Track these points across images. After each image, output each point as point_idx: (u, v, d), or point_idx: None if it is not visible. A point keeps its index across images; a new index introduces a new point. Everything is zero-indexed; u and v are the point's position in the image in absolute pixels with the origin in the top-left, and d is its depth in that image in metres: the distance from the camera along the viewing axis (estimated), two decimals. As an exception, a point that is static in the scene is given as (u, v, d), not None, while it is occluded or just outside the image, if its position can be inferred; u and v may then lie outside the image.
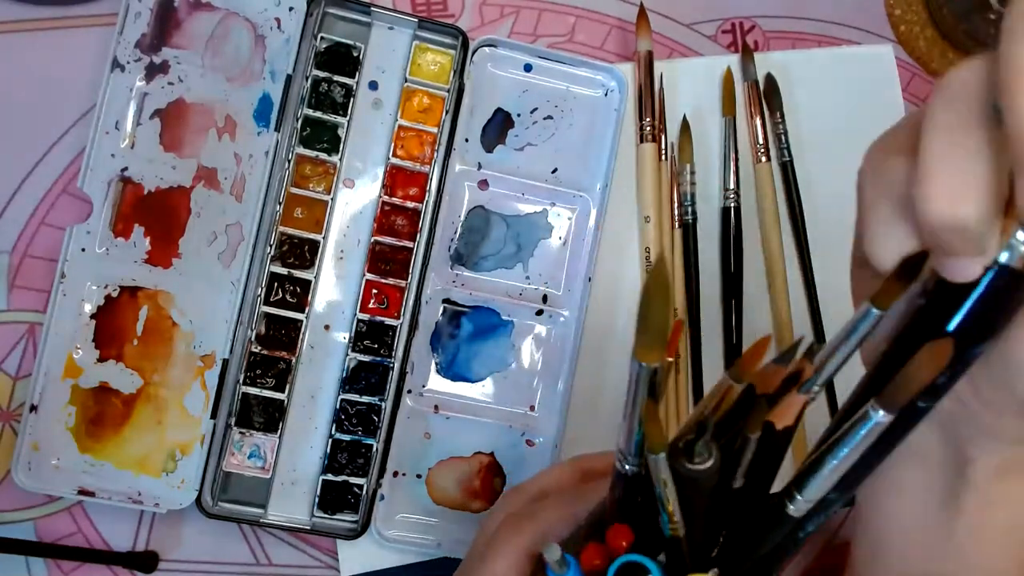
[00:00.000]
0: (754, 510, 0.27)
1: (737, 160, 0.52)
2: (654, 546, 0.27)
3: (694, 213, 0.52)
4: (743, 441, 0.25)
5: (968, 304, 0.22)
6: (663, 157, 0.52)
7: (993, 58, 0.19)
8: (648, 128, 0.51)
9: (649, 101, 0.51)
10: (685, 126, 0.52)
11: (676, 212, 0.52)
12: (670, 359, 0.26)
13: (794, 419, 0.26)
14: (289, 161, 0.47)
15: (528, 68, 0.50)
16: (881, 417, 0.22)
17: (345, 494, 0.47)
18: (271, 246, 0.47)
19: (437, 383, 0.49)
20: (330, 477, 0.47)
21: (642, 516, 0.26)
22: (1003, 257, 0.21)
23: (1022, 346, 0.22)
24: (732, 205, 0.52)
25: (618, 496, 0.28)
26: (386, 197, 0.48)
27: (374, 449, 0.47)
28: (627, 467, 0.26)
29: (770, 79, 0.53)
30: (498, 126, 0.50)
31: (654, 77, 0.51)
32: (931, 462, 0.27)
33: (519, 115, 0.50)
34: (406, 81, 0.49)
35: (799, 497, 0.25)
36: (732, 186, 0.52)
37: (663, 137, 0.52)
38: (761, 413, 0.25)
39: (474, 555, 0.34)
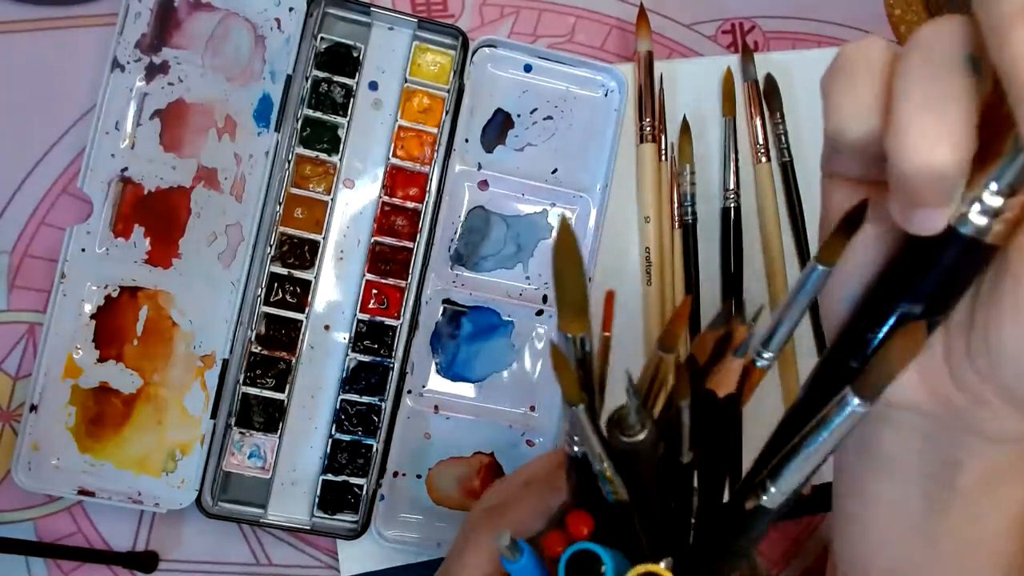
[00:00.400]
0: (713, 488, 0.26)
1: (737, 160, 0.52)
2: (616, 534, 0.26)
3: (694, 213, 0.52)
4: (677, 411, 0.24)
5: (930, 272, 0.22)
6: (663, 157, 0.52)
7: (965, 16, 0.19)
8: (648, 128, 0.51)
9: (649, 101, 0.51)
10: (685, 126, 0.52)
11: (676, 212, 0.52)
12: (607, 334, 0.26)
13: (735, 385, 0.25)
14: (289, 161, 0.47)
15: (528, 68, 0.50)
16: (857, 406, 0.21)
17: (345, 494, 0.47)
18: (271, 246, 0.47)
19: (437, 383, 0.49)
20: (330, 477, 0.47)
21: (603, 504, 0.26)
22: (962, 228, 0.21)
23: (1004, 331, 0.22)
24: (732, 205, 0.52)
25: (573, 481, 0.28)
26: (386, 197, 0.48)
27: (374, 449, 0.47)
28: (575, 448, 0.26)
29: (770, 79, 0.53)
30: (498, 126, 0.50)
31: (654, 77, 0.51)
32: (911, 473, 0.27)
33: (519, 115, 0.50)
34: (406, 81, 0.49)
35: (773, 489, 0.24)
36: (732, 186, 0.52)
37: (663, 137, 0.52)
38: (684, 379, 0.24)
39: (454, 549, 0.34)
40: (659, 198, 0.51)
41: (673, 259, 0.51)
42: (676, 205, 0.52)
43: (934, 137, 0.19)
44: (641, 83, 0.51)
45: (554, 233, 0.44)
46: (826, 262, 0.23)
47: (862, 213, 0.22)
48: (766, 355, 0.26)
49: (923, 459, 0.26)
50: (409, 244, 0.48)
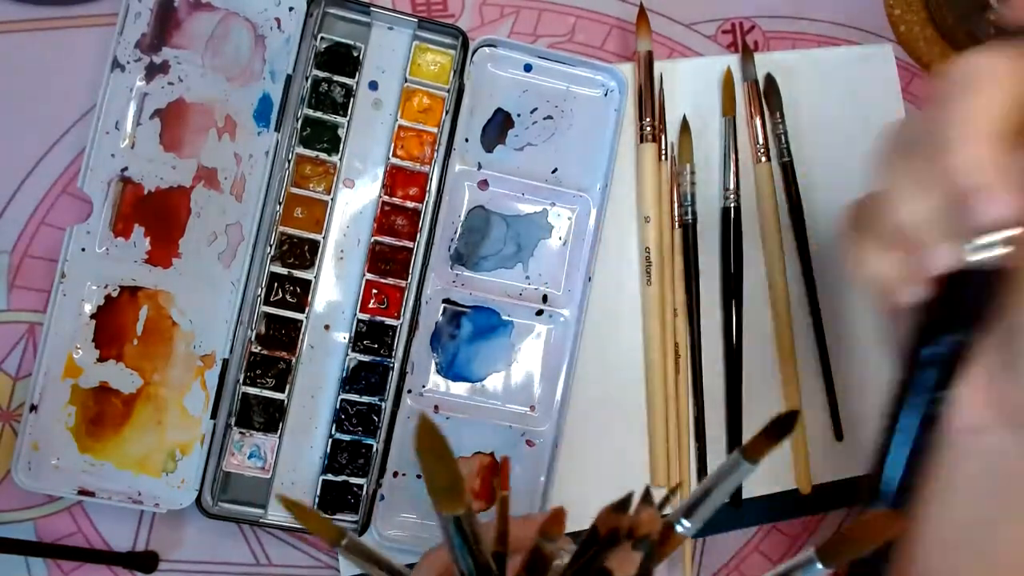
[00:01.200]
0: None
1: (737, 160, 0.52)
2: None
3: (694, 213, 0.51)
4: None
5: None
6: (663, 157, 0.52)
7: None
8: (648, 128, 0.51)
9: (649, 101, 0.51)
10: (685, 126, 0.52)
11: (676, 212, 0.52)
12: (505, 492, 0.28)
13: (635, 572, 0.26)
14: (289, 161, 0.47)
15: (528, 68, 0.50)
16: (820, 571, 0.23)
17: (345, 494, 0.47)
18: (271, 246, 0.47)
19: (437, 383, 0.49)
20: (330, 477, 0.47)
21: None
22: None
23: None
24: (732, 205, 0.52)
25: None
26: (386, 197, 0.48)
27: (374, 449, 0.47)
28: None
29: (770, 79, 0.53)
30: (498, 126, 0.50)
31: (654, 77, 0.51)
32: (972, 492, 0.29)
33: (519, 115, 0.50)
34: (406, 81, 0.49)
35: None
36: (732, 186, 0.52)
37: (663, 137, 0.52)
38: None
39: None
40: (659, 198, 0.51)
41: (673, 259, 0.51)
42: (676, 205, 0.52)
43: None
44: (641, 83, 0.51)
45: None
46: (753, 459, 0.25)
47: (793, 421, 0.24)
48: (686, 524, 0.27)
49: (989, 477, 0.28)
50: (409, 244, 0.48)
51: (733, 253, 0.52)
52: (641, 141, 0.51)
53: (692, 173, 0.52)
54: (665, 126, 0.52)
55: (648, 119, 0.51)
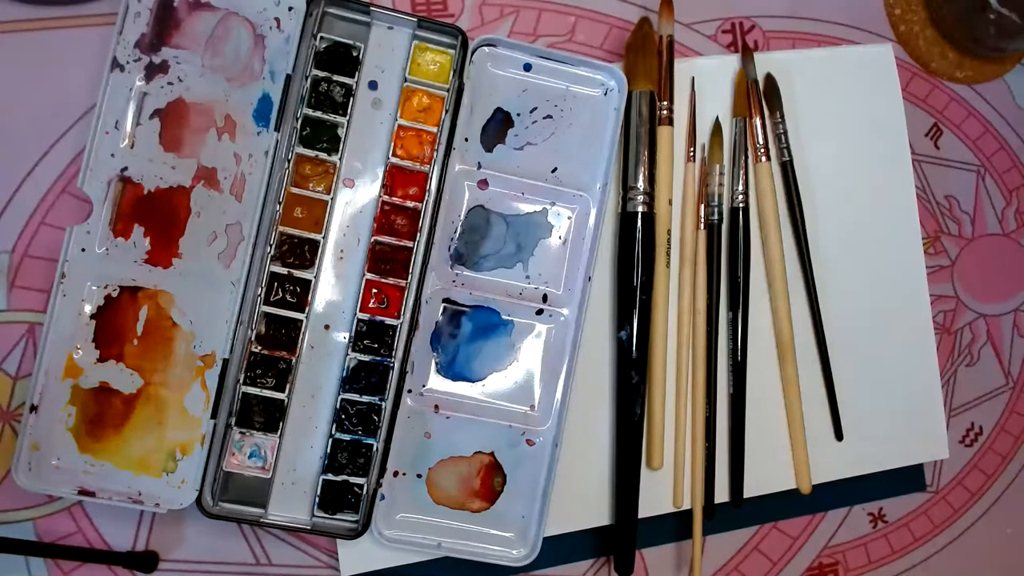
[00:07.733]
0: None
1: (747, 161, 0.52)
2: None
3: (720, 214, 0.52)
4: None
5: None
6: (691, 158, 0.52)
7: None
8: (665, 112, 0.51)
9: (667, 85, 0.51)
10: (717, 128, 0.52)
11: (702, 212, 0.52)
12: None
13: None
14: (289, 161, 0.47)
15: (528, 68, 0.50)
16: None
17: (345, 494, 0.47)
18: (271, 246, 0.47)
19: (437, 383, 0.49)
20: (330, 477, 0.47)
21: None
22: None
23: None
24: (741, 206, 0.52)
25: None
26: (386, 197, 0.48)
27: (374, 449, 0.47)
28: None
29: (770, 79, 0.53)
30: (498, 125, 0.50)
31: (673, 67, 0.51)
32: None
33: (519, 115, 0.50)
34: (406, 81, 0.49)
35: None
36: (742, 187, 0.52)
37: (693, 140, 0.52)
38: None
39: None
40: (671, 180, 0.51)
41: (696, 260, 0.51)
42: (703, 205, 0.52)
43: None
44: (661, 68, 0.51)
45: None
46: None
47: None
48: None
49: None
50: (409, 243, 0.48)
51: (742, 253, 0.52)
52: (659, 124, 0.51)
53: (721, 174, 0.52)
54: (695, 127, 0.52)
55: (665, 102, 0.51)
